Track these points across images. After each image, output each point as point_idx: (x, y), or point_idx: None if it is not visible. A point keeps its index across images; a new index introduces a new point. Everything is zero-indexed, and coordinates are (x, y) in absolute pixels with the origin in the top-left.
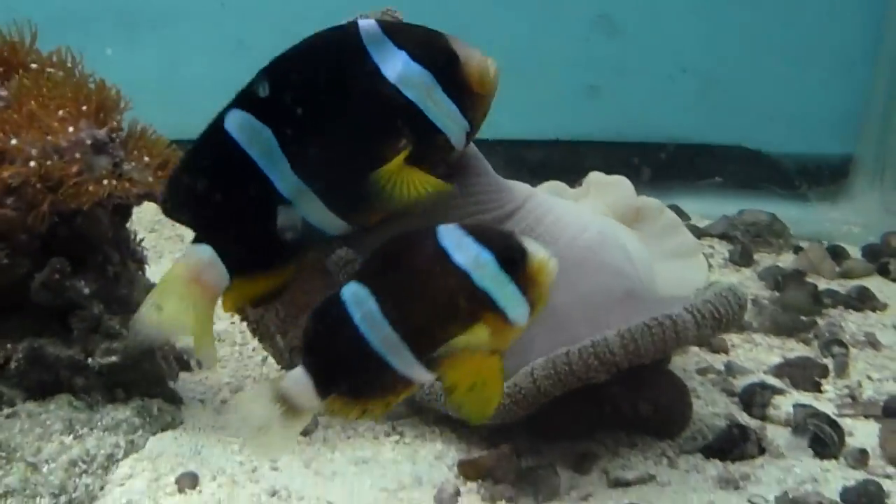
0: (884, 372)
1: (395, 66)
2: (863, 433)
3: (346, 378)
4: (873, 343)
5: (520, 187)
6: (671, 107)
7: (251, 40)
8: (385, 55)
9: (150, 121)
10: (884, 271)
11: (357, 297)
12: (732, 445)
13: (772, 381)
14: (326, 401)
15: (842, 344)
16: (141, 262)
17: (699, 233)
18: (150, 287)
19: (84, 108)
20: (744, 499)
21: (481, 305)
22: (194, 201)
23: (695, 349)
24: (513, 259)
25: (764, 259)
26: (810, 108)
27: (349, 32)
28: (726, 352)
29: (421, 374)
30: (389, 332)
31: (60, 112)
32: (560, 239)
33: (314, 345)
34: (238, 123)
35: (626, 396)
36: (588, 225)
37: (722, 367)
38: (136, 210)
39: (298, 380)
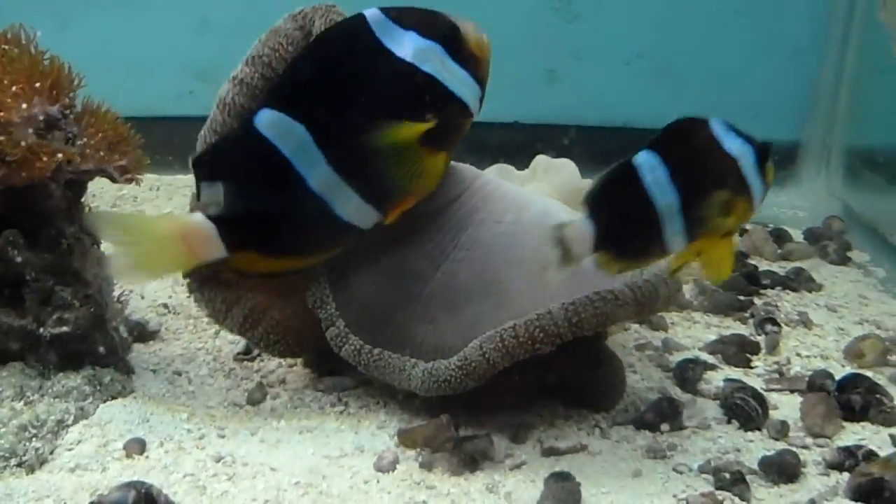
0: (812, 349)
1: (408, 45)
2: (787, 407)
3: (624, 236)
4: (805, 322)
5: (466, 170)
6: (627, 92)
7: (216, 19)
8: (396, 38)
9: (115, 97)
10: (823, 253)
11: (650, 164)
12: (660, 417)
13: (705, 357)
14: (597, 254)
15: (775, 322)
16: (94, 235)
17: None
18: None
19: (38, 84)
20: (669, 468)
21: (741, 189)
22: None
23: (635, 326)
24: (765, 155)
25: None
26: (760, 95)
27: (358, 24)
28: (665, 329)
29: (680, 244)
30: (673, 198)
31: (14, 88)
32: (504, 218)
33: (601, 201)
34: (270, 122)
35: (562, 371)
36: (531, 204)
37: (659, 344)
38: (97, 187)
39: (580, 230)
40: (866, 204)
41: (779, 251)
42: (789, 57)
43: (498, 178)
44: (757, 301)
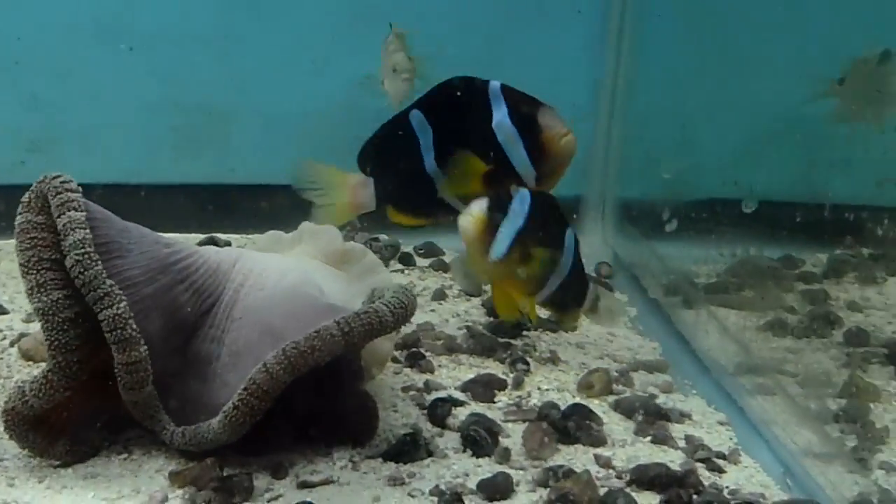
0: (553, 384)
1: (498, 115)
2: (517, 435)
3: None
4: (554, 360)
5: (228, 255)
6: None
7: (44, 94)
8: (497, 105)
9: None
10: None
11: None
12: (404, 450)
13: (458, 395)
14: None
15: (525, 361)
16: None
17: (445, 267)
18: None
19: None
20: (405, 493)
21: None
22: (374, 152)
23: (406, 369)
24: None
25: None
26: None
27: (483, 85)
28: (432, 371)
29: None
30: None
31: None
32: (267, 284)
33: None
34: (417, 118)
35: (320, 411)
36: (289, 270)
37: (422, 385)
38: None
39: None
40: (627, 251)
41: None
42: (572, 121)
43: (258, 251)
44: (518, 342)
